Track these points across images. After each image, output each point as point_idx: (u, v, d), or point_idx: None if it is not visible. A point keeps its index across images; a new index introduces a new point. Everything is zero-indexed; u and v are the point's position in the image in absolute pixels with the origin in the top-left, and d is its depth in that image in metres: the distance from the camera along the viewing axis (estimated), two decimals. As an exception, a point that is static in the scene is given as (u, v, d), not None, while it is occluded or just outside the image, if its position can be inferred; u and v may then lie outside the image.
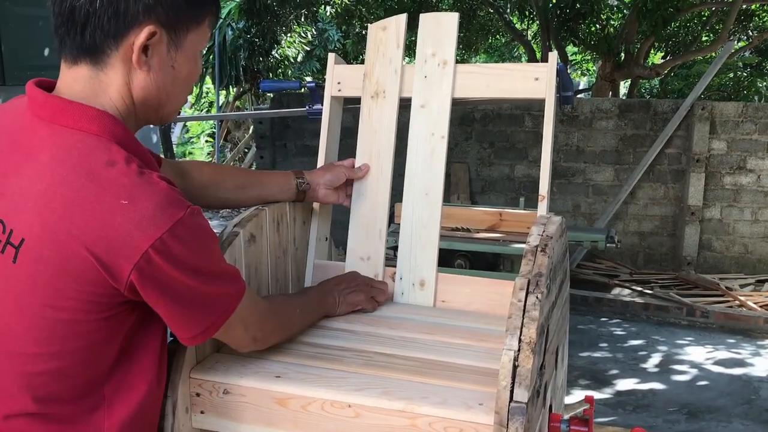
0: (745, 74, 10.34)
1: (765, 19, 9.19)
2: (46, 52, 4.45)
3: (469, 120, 6.45)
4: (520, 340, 0.99)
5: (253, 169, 7.59)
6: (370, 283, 1.48)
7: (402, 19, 1.60)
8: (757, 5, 8.59)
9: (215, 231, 1.10)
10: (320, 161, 1.62)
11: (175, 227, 0.88)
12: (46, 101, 0.94)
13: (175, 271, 0.90)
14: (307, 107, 1.75)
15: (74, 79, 0.96)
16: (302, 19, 10.73)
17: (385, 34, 1.60)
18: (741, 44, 9.82)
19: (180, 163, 1.36)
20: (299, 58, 12.51)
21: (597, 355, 4.48)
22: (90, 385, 0.94)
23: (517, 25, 10.54)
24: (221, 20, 11.40)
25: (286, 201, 1.46)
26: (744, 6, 8.08)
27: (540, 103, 1.49)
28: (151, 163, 0.98)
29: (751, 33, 9.72)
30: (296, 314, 1.26)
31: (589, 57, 12.59)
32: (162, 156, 1.29)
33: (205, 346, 1.20)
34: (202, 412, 1.15)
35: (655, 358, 4.43)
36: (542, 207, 1.46)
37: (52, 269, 0.88)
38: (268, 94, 8.46)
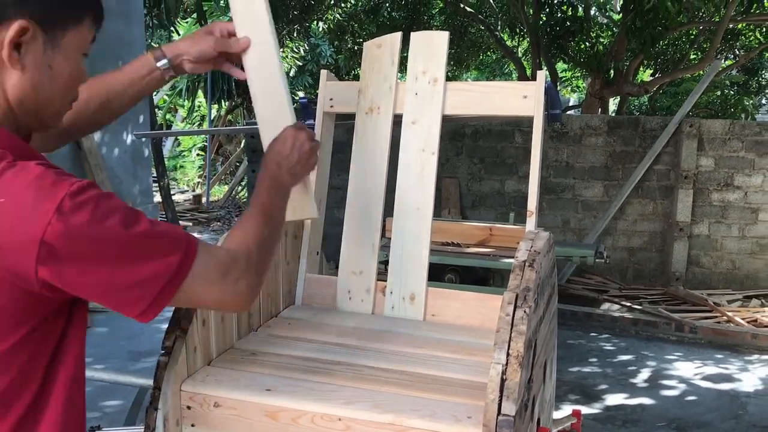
0: (732, 92, 10.46)
1: (751, 39, 9.32)
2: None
3: (460, 135, 6.49)
4: (508, 354, 1.00)
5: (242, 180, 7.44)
6: (309, 135, 1.27)
7: (397, 37, 1.63)
8: (743, 25, 8.72)
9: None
10: (313, 177, 1.64)
11: (62, 206, 0.81)
12: None
13: (82, 247, 0.83)
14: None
15: None
16: (295, 34, 10.80)
17: (380, 51, 1.63)
18: (728, 63, 9.95)
19: None
20: (291, 73, 12.55)
21: (586, 370, 4.50)
22: (20, 403, 0.90)
23: (508, 42, 10.63)
24: (214, 34, 11.41)
25: (158, 87, 1.34)
26: (730, 25, 8.20)
27: (530, 120, 1.52)
28: (32, 155, 0.91)
29: (737, 52, 9.85)
30: (258, 233, 1.06)
31: (579, 74, 12.70)
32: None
33: (196, 359, 1.21)
34: (192, 425, 1.16)
35: (644, 373, 4.45)
36: (531, 222, 1.48)
37: None
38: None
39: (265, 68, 1.34)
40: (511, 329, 1.03)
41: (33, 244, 0.81)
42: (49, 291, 0.84)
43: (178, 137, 13.81)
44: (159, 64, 1.26)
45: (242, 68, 1.36)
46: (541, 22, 8.24)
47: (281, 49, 11.39)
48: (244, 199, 10.76)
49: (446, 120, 1.60)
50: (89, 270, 0.85)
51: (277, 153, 1.21)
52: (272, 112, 1.34)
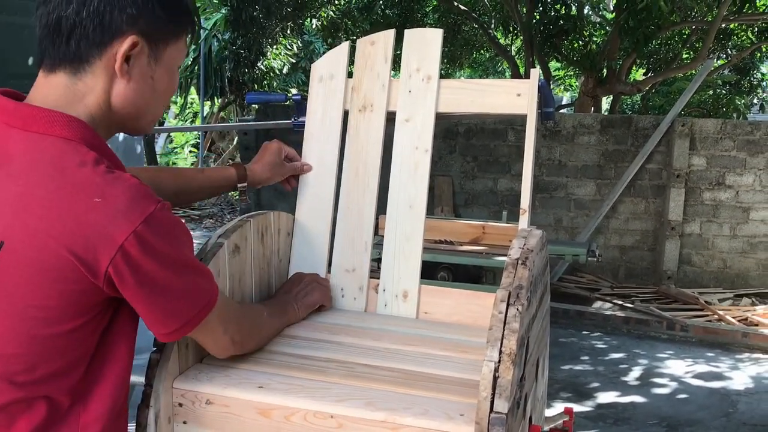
0: (724, 92, 10.51)
1: (743, 38, 9.36)
2: (30, 60, 4.43)
3: (453, 134, 6.50)
4: (500, 352, 1.00)
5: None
6: (317, 279, 1.54)
7: (390, 34, 1.62)
8: (736, 25, 8.76)
9: (197, 242, 1.10)
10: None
11: (149, 219, 0.91)
12: (17, 109, 0.97)
13: (152, 262, 0.92)
14: (293, 119, 1.76)
15: (50, 88, 0.98)
16: (288, 32, 10.77)
17: (374, 48, 1.62)
18: (720, 62, 9.99)
19: None
20: (285, 70, 12.54)
21: (578, 368, 4.51)
22: (64, 384, 0.96)
23: (501, 41, 10.64)
24: (207, 31, 11.42)
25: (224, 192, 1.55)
26: (723, 25, 8.24)
27: (523, 118, 1.52)
28: (120, 166, 1.00)
29: (729, 51, 9.90)
30: (266, 319, 1.29)
31: (572, 73, 12.73)
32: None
33: (188, 357, 1.20)
34: (184, 423, 1.15)
35: (636, 372, 4.47)
36: (524, 220, 1.48)
37: (34, 270, 0.90)
38: (253, 106, 8.46)
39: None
40: (504, 327, 1.03)
41: (114, 244, 0.89)
42: (109, 289, 0.93)
43: (171, 134, 13.77)
44: (240, 186, 1.49)
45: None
46: (534, 21, 8.25)
47: (274, 46, 11.38)
48: (236, 196, 10.73)
49: (440, 118, 1.60)
50: (147, 281, 0.93)
51: (287, 290, 1.49)
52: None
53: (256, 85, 11.64)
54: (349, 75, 1.65)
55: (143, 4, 0.97)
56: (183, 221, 0.99)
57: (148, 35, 0.99)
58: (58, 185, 0.91)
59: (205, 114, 12.67)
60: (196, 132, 13.13)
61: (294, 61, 12.64)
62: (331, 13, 10.66)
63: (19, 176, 0.92)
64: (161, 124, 14.00)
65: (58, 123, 0.95)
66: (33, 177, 0.91)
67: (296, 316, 1.44)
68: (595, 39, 9.33)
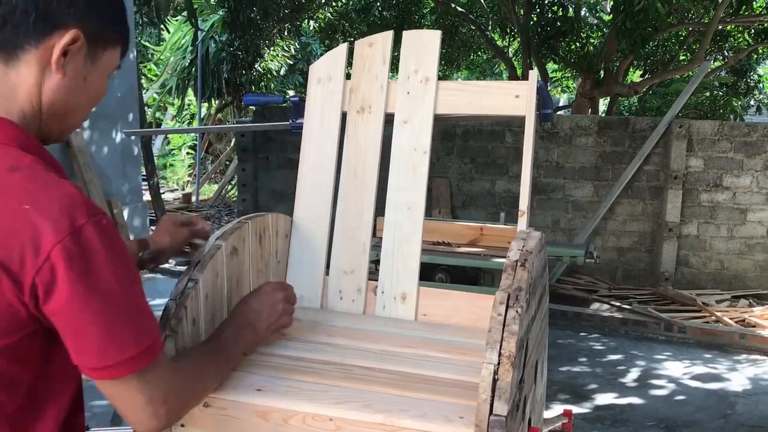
0: (721, 93, 10.53)
1: (740, 40, 9.38)
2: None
3: (451, 135, 6.50)
4: (499, 354, 1.00)
5: (232, 179, 7.46)
6: (285, 297, 1.31)
7: (388, 36, 1.62)
8: (733, 26, 8.77)
9: None
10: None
11: (78, 232, 0.84)
12: None
13: (78, 279, 0.84)
14: (291, 121, 1.76)
15: None
16: (285, 33, 10.77)
17: (372, 50, 1.62)
18: (717, 64, 10.01)
19: None
20: (282, 72, 12.53)
21: (576, 369, 4.51)
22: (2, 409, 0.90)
23: (499, 43, 10.65)
24: (204, 33, 11.41)
25: None
26: (720, 26, 8.25)
27: (521, 120, 1.52)
28: (60, 170, 0.95)
29: (726, 53, 9.91)
30: (210, 376, 1.09)
31: (569, 74, 12.74)
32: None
33: (186, 359, 1.19)
34: (182, 426, 1.15)
35: (634, 373, 4.47)
36: (522, 222, 1.48)
37: None
38: (251, 107, 8.46)
39: None
40: (503, 329, 1.02)
41: (40, 254, 0.83)
42: (34, 307, 0.85)
43: (168, 136, 13.75)
44: (144, 255, 1.37)
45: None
46: (531, 23, 8.26)
47: (272, 48, 11.36)
48: (234, 198, 10.72)
49: (438, 119, 1.59)
50: (74, 302, 0.84)
51: (251, 309, 1.25)
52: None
53: (253, 87, 11.65)
54: (347, 77, 1.65)
55: (94, 1, 0.94)
56: (123, 246, 0.90)
57: (90, 34, 0.94)
58: None
59: (202, 116, 12.66)
60: (193, 134, 13.12)
61: (291, 62, 12.63)
62: (329, 14, 10.66)
63: None
64: (158, 125, 14.00)
65: None
66: None
67: (257, 343, 1.28)
68: (592, 41, 9.34)
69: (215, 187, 12.20)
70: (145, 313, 0.91)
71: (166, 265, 6.70)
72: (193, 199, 11.05)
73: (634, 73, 11.63)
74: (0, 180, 0.86)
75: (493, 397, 0.98)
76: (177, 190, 12.66)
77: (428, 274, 4.46)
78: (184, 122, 14.43)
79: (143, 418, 0.93)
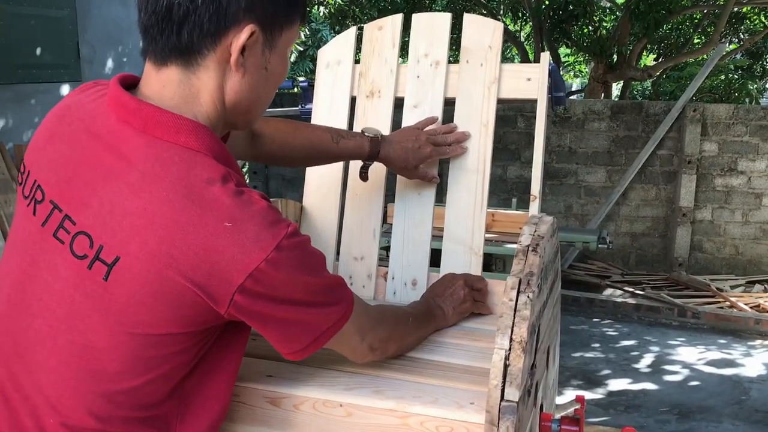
0: (736, 76, 10.39)
1: (756, 22, 9.25)
2: (38, 51, 4.44)
3: (462, 121, 6.45)
4: (511, 339, 0.99)
5: (243, 166, 7.60)
6: (470, 284, 1.41)
7: (398, 19, 1.61)
8: (748, 8, 8.65)
9: None
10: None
11: (279, 248, 0.85)
12: (140, 109, 0.88)
13: (281, 291, 0.87)
14: (300, 106, 1.75)
15: (162, 83, 0.90)
16: (295, 20, 10.69)
17: (381, 33, 1.61)
18: (732, 47, 9.88)
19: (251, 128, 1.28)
20: (292, 58, 12.50)
21: (589, 355, 4.50)
22: (165, 402, 0.92)
23: (510, 27, 10.56)
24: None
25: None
26: (735, 9, 8.13)
27: (532, 104, 1.50)
28: (243, 178, 0.93)
29: (742, 35, 9.78)
30: (409, 324, 1.20)
31: (582, 59, 12.63)
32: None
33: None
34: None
35: (647, 359, 4.45)
36: (534, 207, 1.47)
37: (148, 292, 0.84)
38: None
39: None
40: (515, 314, 1.01)
41: (242, 273, 0.83)
42: (231, 317, 0.88)
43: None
44: (367, 162, 1.43)
45: None
46: (543, 6, 8.17)
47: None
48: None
49: (449, 103, 1.58)
50: (276, 308, 0.89)
51: (436, 293, 1.38)
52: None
53: (264, 74, 11.61)
54: (357, 61, 1.63)
55: None
56: (309, 240, 0.93)
57: (265, 22, 0.90)
58: (185, 204, 0.83)
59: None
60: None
61: (301, 49, 12.60)
62: (339, 0, 10.61)
63: (141, 188, 0.84)
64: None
65: (185, 130, 0.88)
66: (157, 191, 0.84)
67: (445, 321, 1.35)
68: (605, 24, 9.24)
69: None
70: (337, 284, 0.97)
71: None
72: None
73: (648, 56, 11.50)
74: (198, 193, 0.84)
75: (504, 382, 0.97)
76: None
77: (439, 259, 4.45)
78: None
79: (361, 354, 1.08)
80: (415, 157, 1.43)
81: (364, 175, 1.45)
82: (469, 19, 1.57)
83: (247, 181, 8.80)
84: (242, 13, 0.87)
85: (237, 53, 0.89)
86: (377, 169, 1.58)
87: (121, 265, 0.84)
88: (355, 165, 1.56)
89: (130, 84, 0.94)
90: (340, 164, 1.61)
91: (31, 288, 0.90)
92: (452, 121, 1.54)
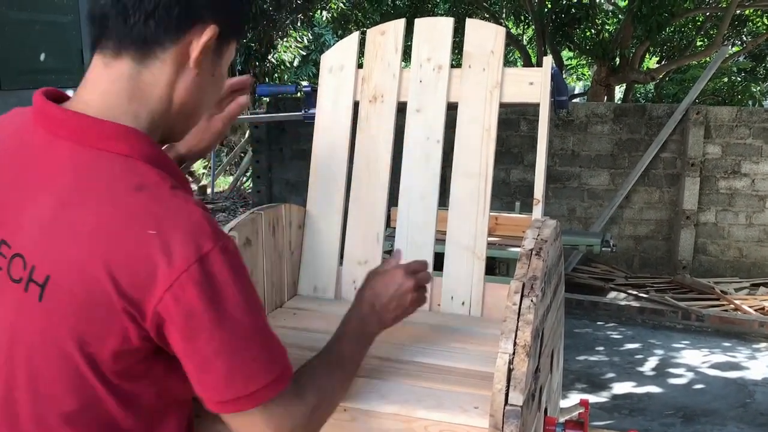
0: (739, 79, 10.38)
1: (759, 25, 9.24)
2: (42, 56, 4.45)
3: (465, 124, 6.45)
4: (515, 344, 0.99)
5: (247, 170, 7.54)
6: (416, 284, 1.16)
7: (400, 24, 1.61)
8: (751, 11, 8.64)
9: None
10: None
11: (204, 259, 0.79)
12: (67, 119, 0.85)
13: (205, 308, 0.80)
14: (303, 111, 1.75)
15: (110, 79, 0.87)
16: (298, 24, 10.75)
17: (384, 38, 1.61)
18: (735, 49, 9.87)
19: None
20: (295, 63, 12.52)
21: (593, 358, 4.49)
22: (125, 422, 0.87)
23: (513, 30, 10.57)
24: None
25: None
26: (738, 11, 8.13)
27: (535, 108, 1.50)
28: (184, 182, 0.91)
29: (745, 38, 9.78)
30: (336, 392, 1.01)
31: (585, 62, 12.63)
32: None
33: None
34: (197, 416, 1.15)
35: (651, 362, 4.44)
36: (537, 211, 1.47)
37: (81, 307, 0.80)
38: (264, 99, 8.47)
39: None
40: (518, 318, 1.02)
41: (163, 284, 0.79)
42: (156, 335, 0.82)
43: (183, 128, 13.78)
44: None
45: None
46: (546, 10, 8.18)
47: (285, 39, 11.35)
48: (249, 190, 10.75)
49: (451, 107, 1.58)
50: (200, 332, 0.81)
51: (376, 295, 1.14)
52: None
53: (267, 78, 11.65)
54: (360, 65, 1.64)
55: None
56: (245, 268, 0.86)
57: (223, 28, 0.89)
58: (111, 214, 0.80)
59: (216, 108, 12.68)
60: (207, 126, 13.12)
61: (304, 53, 12.62)
62: (341, 4, 10.63)
63: (69, 201, 0.81)
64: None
65: (115, 136, 0.84)
66: (84, 203, 0.81)
67: (382, 328, 1.16)
68: (607, 27, 9.24)
69: (230, 178, 12.25)
70: (273, 341, 0.87)
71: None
72: (209, 191, 11.10)
73: (651, 59, 11.49)
74: (125, 201, 0.81)
75: (508, 387, 0.97)
76: (192, 182, 12.72)
77: (442, 263, 4.45)
78: (198, 114, 14.45)
79: None
80: (201, 139, 1.21)
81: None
82: (472, 24, 1.57)
83: (251, 186, 8.83)
84: (207, 12, 0.87)
85: (198, 50, 0.87)
86: (381, 173, 1.59)
87: (53, 284, 0.81)
88: (362, 167, 1.56)
89: (58, 98, 0.91)
90: (344, 168, 1.61)
91: None
92: (455, 125, 1.55)
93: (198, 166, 13.38)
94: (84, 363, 0.82)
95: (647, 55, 10.43)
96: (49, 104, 0.87)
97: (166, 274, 0.78)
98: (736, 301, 5.40)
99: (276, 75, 11.87)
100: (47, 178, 0.84)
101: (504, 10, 10.24)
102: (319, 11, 10.92)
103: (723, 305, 5.42)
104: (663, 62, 10.09)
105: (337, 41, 1.67)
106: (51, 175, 0.84)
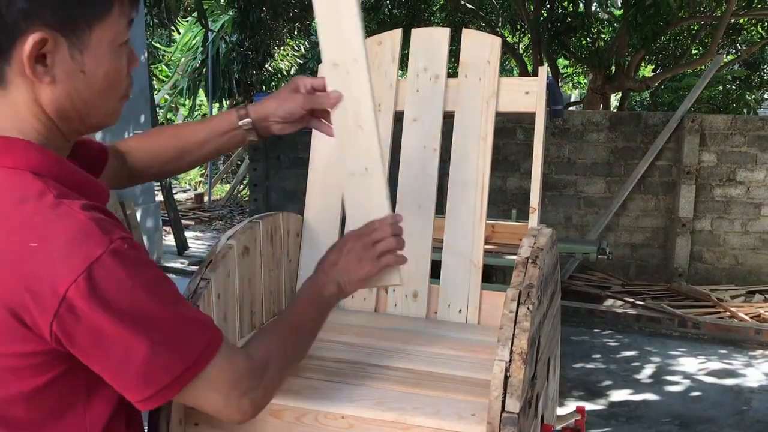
0: (734, 87, 10.44)
1: (753, 33, 9.30)
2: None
3: (462, 132, 6.47)
4: (511, 351, 1.00)
5: (244, 178, 7.47)
6: (373, 236, 1.10)
7: (397, 34, 1.62)
8: (745, 19, 8.69)
9: (207, 244, 1.00)
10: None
11: (94, 267, 0.75)
12: None
13: (103, 317, 0.76)
14: (300, 120, 1.76)
15: None
16: (295, 33, 10.79)
17: (381, 48, 1.62)
18: (730, 58, 9.92)
19: (117, 145, 1.19)
20: (292, 71, 12.55)
21: (590, 366, 4.49)
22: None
23: (509, 39, 10.61)
24: (215, 33, 11.45)
25: (239, 145, 1.29)
26: (732, 20, 8.18)
27: (531, 116, 1.51)
28: (82, 185, 0.86)
29: (739, 46, 9.83)
30: (289, 353, 1.01)
31: (580, 70, 12.67)
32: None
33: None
34: (196, 425, 1.16)
35: (648, 370, 4.45)
36: (533, 219, 1.48)
37: None
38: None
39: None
40: (515, 326, 1.02)
41: (53, 298, 0.75)
42: (62, 348, 0.79)
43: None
44: (241, 123, 1.20)
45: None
46: (542, 19, 8.22)
47: (282, 47, 11.38)
48: (246, 198, 10.76)
49: (448, 116, 1.59)
50: (104, 341, 0.77)
51: (330, 258, 1.10)
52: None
53: (264, 87, 11.67)
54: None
55: None
56: (147, 257, 0.82)
57: (62, 26, 0.81)
58: None
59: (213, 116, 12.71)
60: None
61: (302, 62, 12.65)
62: (338, 13, 10.63)
63: None
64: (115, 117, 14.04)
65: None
66: None
67: (342, 295, 1.10)
68: (603, 36, 9.28)
69: (227, 187, 12.25)
70: (188, 322, 0.84)
71: (178, 264, 6.73)
72: (206, 199, 11.10)
73: (646, 67, 11.55)
74: (7, 214, 0.78)
75: (505, 394, 0.98)
76: (189, 190, 12.73)
77: (439, 271, 4.45)
78: (195, 123, 14.46)
79: (229, 414, 0.90)
80: (286, 102, 1.20)
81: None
82: (468, 35, 1.59)
83: (248, 194, 8.85)
84: (23, 22, 0.78)
85: (29, 64, 0.80)
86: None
87: None
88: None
89: None
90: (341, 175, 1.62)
91: None
92: (452, 134, 1.56)
93: (195, 174, 13.38)
94: (5, 378, 0.80)
95: (642, 64, 10.48)
96: None
97: (54, 288, 0.75)
98: (732, 309, 5.41)
99: (273, 83, 11.90)
100: None
101: (500, 19, 10.28)
102: (316, 20, 10.94)
103: (719, 312, 5.44)
104: (658, 71, 10.14)
105: (335, 51, 1.68)
106: None
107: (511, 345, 1.00)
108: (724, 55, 9.32)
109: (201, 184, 12.85)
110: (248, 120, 1.20)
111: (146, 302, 0.79)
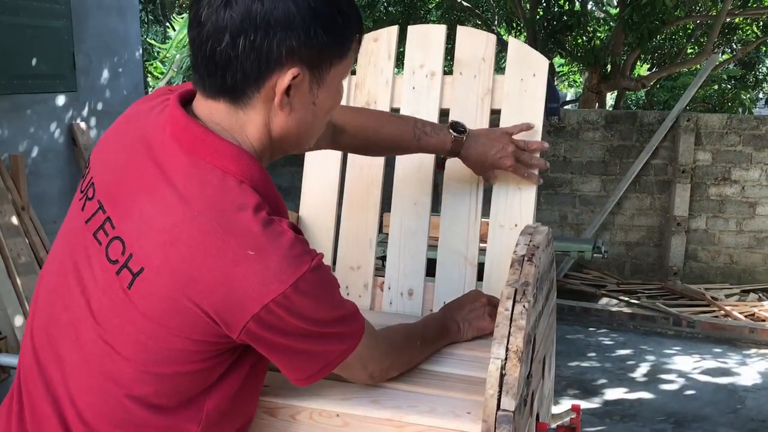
0: (729, 86, 10.46)
1: (748, 33, 9.32)
2: (34, 61, 4.44)
3: (458, 131, 6.46)
4: (507, 349, 1.00)
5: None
6: (494, 303, 1.35)
7: (393, 30, 1.62)
8: (741, 19, 8.71)
9: None
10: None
11: (299, 282, 0.85)
12: (188, 128, 0.91)
13: (295, 323, 0.88)
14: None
15: (211, 111, 0.93)
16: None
17: (377, 45, 1.62)
18: (725, 57, 9.95)
19: (335, 122, 1.29)
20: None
21: (585, 364, 4.50)
22: (180, 413, 0.92)
23: (505, 37, 10.62)
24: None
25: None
26: (728, 19, 8.20)
27: (527, 115, 1.51)
28: (281, 209, 0.96)
29: (735, 46, 9.85)
30: (416, 348, 1.20)
31: (576, 69, 12.69)
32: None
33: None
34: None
35: (643, 368, 4.45)
36: (529, 217, 1.47)
37: (164, 307, 0.86)
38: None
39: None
40: (510, 324, 1.02)
41: (257, 303, 0.84)
42: (243, 342, 0.90)
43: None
44: (447, 153, 1.39)
45: None
46: (538, 17, 8.22)
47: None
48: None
49: (443, 114, 1.59)
50: (287, 339, 0.90)
51: (454, 306, 1.36)
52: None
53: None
54: (353, 72, 1.64)
55: (304, 34, 0.87)
56: (329, 270, 0.95)
57: (311, 63, 0.90)
58: (212, 228, 0.85)
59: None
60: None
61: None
62: (334, 11, 10.63)
63: (175, 205, 0.87)
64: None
65: (228, 156, 0.90)
66: (189, 211, 0.86)
67: (460, 336, 1.32)
68: (599, 34, 9.29)
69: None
70: (349, 317, 0.97)
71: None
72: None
73: (642, 66, 11.56)
74: (227, 217, 0.86)
75: (500, 392, 0.97)
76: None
77: (435, 269, 4.45)
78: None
79: (360, 380, 1.09)
80: (492, 165, 1.41)
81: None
82: (463, 32, 1.58)
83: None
84: (285, 58, 0.87)
85: (281, 95, 0.90)
86: (374, 179, 1.59)
87: (144, 277, 0.86)
88: (355, 173, 1.57)
89: (191, 98, 0.97)
90: (336, 174, 1.61)
91: (67, 281, 0.94)
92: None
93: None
94: (157, 357, 0.88)
95: (638, 63, 10.50)
96: (179, 109, 0.93)
97: (261, 294, 0.84)
98: (727, 308, 5.43)
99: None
100: (161, 178, 0.89)
101: (496, 17, 10.28)
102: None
103: (714, 311, 5.45)
104: (654, 69, 10.15)
105: (331, 48, 1.67)
106: (165, 177, 0.89)
107: (507, 343, 1.00)
108: (720, 55, 9.34)
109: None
110: (456, 153, 1.39)
111: (331, 308, 0.93)
